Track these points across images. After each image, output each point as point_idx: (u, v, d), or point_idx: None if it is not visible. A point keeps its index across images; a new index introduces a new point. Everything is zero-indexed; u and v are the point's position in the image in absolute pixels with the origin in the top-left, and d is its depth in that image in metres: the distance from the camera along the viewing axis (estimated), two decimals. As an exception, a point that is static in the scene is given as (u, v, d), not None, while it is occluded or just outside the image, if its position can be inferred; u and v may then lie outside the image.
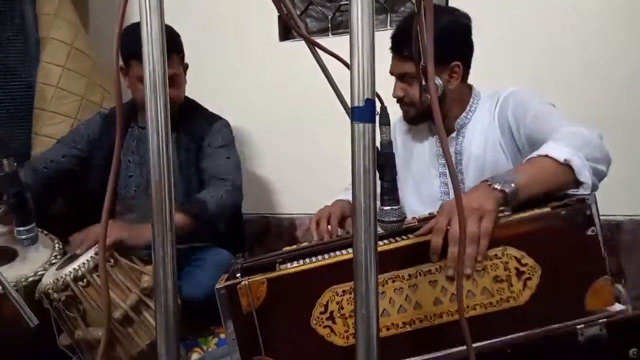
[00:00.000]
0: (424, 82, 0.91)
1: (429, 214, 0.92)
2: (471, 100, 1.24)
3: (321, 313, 0.74)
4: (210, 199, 1.44)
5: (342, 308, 0.74)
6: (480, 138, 1.20)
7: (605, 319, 0.72)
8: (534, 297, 0.74)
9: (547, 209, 0.76)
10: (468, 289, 0.74)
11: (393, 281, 0.75)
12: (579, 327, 0.72)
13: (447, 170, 1.24)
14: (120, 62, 1.58)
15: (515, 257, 0.74)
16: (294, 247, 0.92)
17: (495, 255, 0.74)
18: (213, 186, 1.51)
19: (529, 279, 0.74)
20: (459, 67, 1.18)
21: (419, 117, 1.23)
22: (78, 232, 1.21)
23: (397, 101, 1.23)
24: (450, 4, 1.71)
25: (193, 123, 1.61)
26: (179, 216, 1.29)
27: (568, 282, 0.74)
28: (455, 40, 1.16)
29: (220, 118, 1.68)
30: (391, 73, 1.22)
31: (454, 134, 1.24)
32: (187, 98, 1.65)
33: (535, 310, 0.74)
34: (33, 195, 1.43)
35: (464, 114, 1.23)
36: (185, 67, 1.58)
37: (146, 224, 1.31)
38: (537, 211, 0.76)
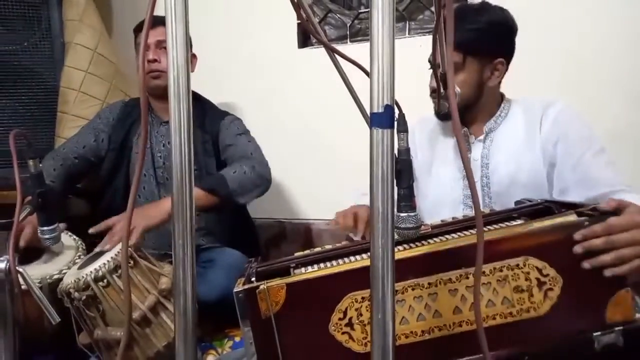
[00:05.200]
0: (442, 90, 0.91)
1: (442, 221, 0.92)
2: (502, 106, 1.24)
3: (340, 319, 0.74)
4: (231, 174, 1.41)
5: (361, 315, 0.74)
6: (510, 145, 1.19)
7: (621, 327, 0.72)
8: (554, 308, 0.73)
9: (569, 219, 0.75)
10: (488, 299, 0.73)
11: (413, 289, 0.74)
12: (595, 334, 0.72)
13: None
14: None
15: (537, 268, 0.73)
16: (307, 252, 0.91)
17: (517, 265, 0.73)
18: (236, 163, 1.49)
19: (550, 290, 0.73)
20: (502, 65, 1.19)
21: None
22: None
23: (431, 93, 1.22)
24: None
25: (204, 116, 1.63)
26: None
27: (589, 293, 0.73)
28: (503, 37, 1.18)
29: (229, 113, 1.70)
30: (430, 62, 1.22)
31: (481, 137, 1.23)
32: (193, 92, 1.68)
33: (555, 321, 0.73)
34: (60, 187, 1.47)
35: (493, 118, 1.23)
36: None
37: (154, 202, 1.34)
38: (559, 220, 0.75)
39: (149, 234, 1.55)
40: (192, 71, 1.59)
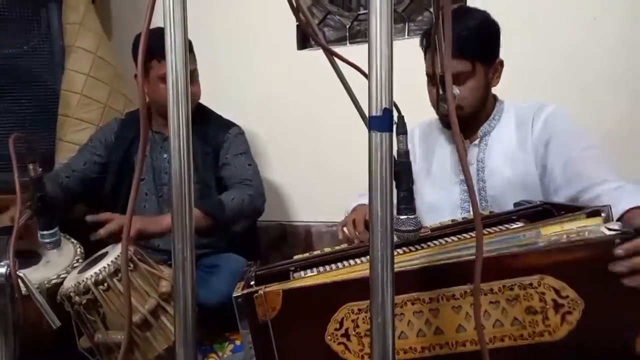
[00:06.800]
0: (441, 92, 0.91)
1: (440, 223, 0.92)
2: (495, 108, 1.24)
3: (336, 329, 0.73)
4: (229, 201, 1.44)
5: (358, 326, 0.72)
6: (504, 148, 1.19)
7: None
8: (572, 334, 0.67)
9: (597, 235, 0.69)
10: (496, 319, 0.69)
11: (412, 303, 0.71)
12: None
13: None
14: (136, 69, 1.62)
15: (554, 288, 0.67)
16: (306, 255, 0.91)
17: (530, 284, 0.68)
18: (235, 189, 1.51)
19: (568, 313, 0.67)
20: (501, 65, 1.20)
21: (462, 120, 1.18)
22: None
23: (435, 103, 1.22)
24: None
25: (207, 127, 1.63)
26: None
27: (616, 319, 0.67)
28: (497, 37, 1.18)
29: (234, 124, 1.70)
30: (430, 74, 1.21)
31: (476, 142, 1.23)
32: (198, 103, 1.68)
33: (572, 349, 0.67)
34: (55, 203, 1.48)
35: (487, 121, 1.23)
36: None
37: (160, 215, 1.37)
38: (579, 227, 0.70)
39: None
40: (198, 99, 1.60)
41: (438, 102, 1.16)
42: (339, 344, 0.73)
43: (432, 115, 1.28)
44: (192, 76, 1.54)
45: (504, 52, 1.20)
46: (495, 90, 1.24)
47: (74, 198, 1.62)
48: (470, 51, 1.12)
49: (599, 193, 0.98)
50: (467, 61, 1.13)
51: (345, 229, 1.18)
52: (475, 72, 1.15)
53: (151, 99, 1.56)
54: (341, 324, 0.72)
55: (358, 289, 0.71)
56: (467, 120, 1.20)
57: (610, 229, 0.69)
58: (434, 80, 1.19)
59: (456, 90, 1.14)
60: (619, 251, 0.66)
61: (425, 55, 1.24)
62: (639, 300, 0.66)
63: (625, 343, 0.66)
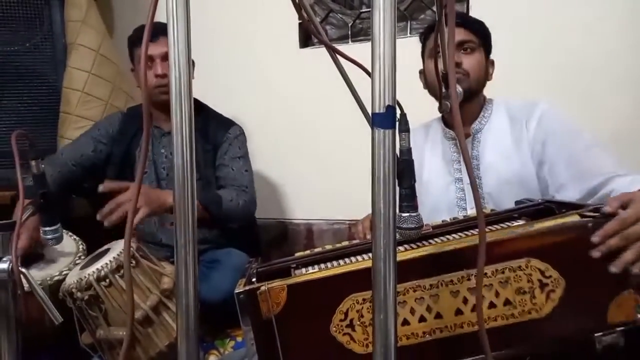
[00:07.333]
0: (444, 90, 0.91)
1: (443, 221, 0.92)
2: (485, 105, 1.25)
3: (341, 320, 0.74)
4: (228, 201, 1.46)
5: (362, 316, 0.74)
6: (498, 145, 1.19)
7: (623, 328, 0.72)
8: (556, 309, 0.73)
9: (571, 220, 0.75)
10: (490, 300, 0.73)
11: (414, 290, 0.74)
12: (596, 334, 0.72)
13: (462, 176, 1.23)
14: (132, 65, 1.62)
15: (539, 269, 0.73)
16: (307, 252, 0.92)
17: (519, 266, 0.73)
18: (233, 191, 1.53)
19: (552, 292, 0.73)
20: (493, 65, 1.26)
21: (466, 93, 1.18)
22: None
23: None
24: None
25: (208, 125, 1.63)
26: None
27: (591, 294, 0.73)
28: (491, 39, 1.24)
29: (234, 124, 1.70)
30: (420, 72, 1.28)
31: (469, 139, 1.23)
32: (196, 100, 1.68)
33: (556, 322, 0.73)
34: (56, 192, 1.48)
35: (478, 119, 1.24)
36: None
37: (158, 190, 1.39)
38: (561, 222, 0.75)
39: (158, 232, 1.57)
40: (192, 78, 1.60)
41: (441, 100, 1.16)
42: (344, 334, 0.74)
43: (432, 114, 1.28)
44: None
45: (507, 52, 1.21)
46: (496, 87, 1.25)
47: (72, 186, 1.62)
48: (478, 28, 1.19)
49: (613, 188, 0.99)
50: (475, 36, 1.18)
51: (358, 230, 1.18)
52: (480, 49, 1.20)
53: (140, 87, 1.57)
54: (346, 314, 0.74)
55: (363, 279, 0.73)
56: (466, 101, 1.19)
57: (582, 215, 0.76)
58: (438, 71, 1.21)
59: (459, 88, 1.13)
60: (594, 238, 0.72)
61: (424, 46, 1.26)
62: (608, 276, 0.72)
63: (600, 315, 0.72)
